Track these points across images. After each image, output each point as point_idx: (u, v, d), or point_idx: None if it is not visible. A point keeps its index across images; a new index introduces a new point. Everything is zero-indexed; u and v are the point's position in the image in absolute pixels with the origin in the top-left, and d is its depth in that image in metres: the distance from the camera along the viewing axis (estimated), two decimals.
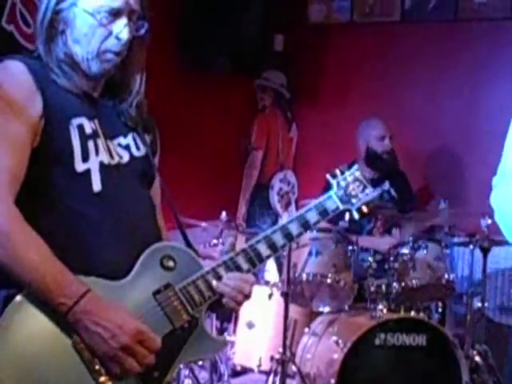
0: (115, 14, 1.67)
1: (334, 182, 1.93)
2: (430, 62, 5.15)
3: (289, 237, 1.83)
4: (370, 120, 4.55)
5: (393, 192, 3.92)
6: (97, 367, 1.57)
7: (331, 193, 1.91)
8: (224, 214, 3.89)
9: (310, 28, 5.64)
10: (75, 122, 1.65)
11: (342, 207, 1.90)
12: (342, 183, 1.92)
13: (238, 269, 1.77)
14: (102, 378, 1.58)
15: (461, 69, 5.02)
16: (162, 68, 4.74)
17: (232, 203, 4.93)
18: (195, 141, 5.08)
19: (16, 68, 1.63)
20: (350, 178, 1.93)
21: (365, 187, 1.94)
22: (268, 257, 1.80)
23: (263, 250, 1.80)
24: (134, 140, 1.79)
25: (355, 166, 1.99)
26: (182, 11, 5.01)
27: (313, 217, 1.86)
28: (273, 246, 1.81)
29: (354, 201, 1.92)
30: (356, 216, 1.94)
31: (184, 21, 5.02)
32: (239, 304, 1.78)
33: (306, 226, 1.85)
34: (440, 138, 5.10)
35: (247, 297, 1.78)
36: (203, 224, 3.97)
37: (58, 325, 1.56)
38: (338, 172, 1.95)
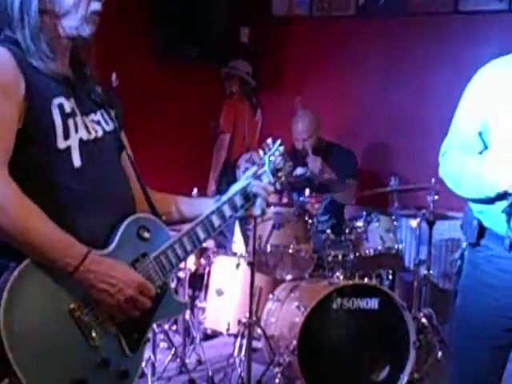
0: None
1: (266, 158, 1.98)
2: (382, 52, 5.19)
3: (235, 208, 1.89)
4: (296, 114, 4.63)
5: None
6: (93, 334, 1.59)
7: (265, 168, 1.97)
8: (195, 190, 3.87)
9: (273, 21, 5.65)
10: (56, 101, 1.62)
11: (272, 180, 1.97)
12: (272, 158, 1.98)
13: (197, 238, 1.81)
14: (94, 341, 1.59)
15: (410, 59, 5.07)
16: (138, 55, 4.73)
17: (202, 181, 4.93)
18: (168, 124, 5.09)
19: (0, 53, 1.59)
20: (277, 153, 1.99)
21: (286, 161, 2.00)
22: (219, 226, 1.86)
23: (215, 220, 1.84)
24: (103, 116, 1.78)
25: (278, 141, 2.02)
26: (157, 3, 4.99)
27: (251, 190, 1.93)
28: (223, 217, 1.87)
29: (280, 174, 1.99)
30: (278, 187, 2.02)
31: (159, 12, 5.02)
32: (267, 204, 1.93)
33: (247, 197, 1.92)
34: (392, 122, 5.13)
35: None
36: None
37: (56, 294, 1.55)
38: (266, 147, 2.00)
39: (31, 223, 1.51)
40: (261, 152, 2.00)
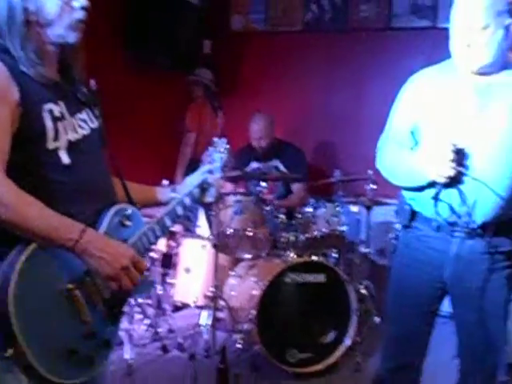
0: None
1: (216, 155, 2.02)
2: (326, 62, 5.21)
3: (194, 199, 1.93)
4: (253, 117, 4.60)
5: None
6: (85, 310, 1.56)
7: (217, 164, 2.00)
8: (165, 181, 3.84)
9: (232, 35, 5.62)
10: (46, 107, 1.57)
11: (222, 175, 2.01)
12: (223, 156, 2.01)
13: (165, 225, 1.82)
14: (86, 317, 1.57)
15: (350, 68, 5.10)
16: (112, 65, 4.67)
17: (171, 173, 4.90)
18: (142, 124, 5.04)
19: None
20: (225, 151, 2.02)
21: (230, 157, 2.04)
22: (182, 214, 1.88)
23: (179, 210, 1.87)
24: (88, 114, 1.73)
25: (224, 139, 2.05)
26: (127, 18, 4.95)
27: (207, 183, 1.97)
28: (185, 207, 1.89)
29: (225, 169, 2.02)
30: (223, 179, 2.06)
31: (129, 26, 4.96)
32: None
33: (203, 189, 1.96)
34: (335, 123, 5.17)
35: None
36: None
37: (56, 276, 1.53)
38: (215, 146, 2.03)
39: (30, 212, 1.48)
40: (211, 149, 2.03)
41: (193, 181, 1.97)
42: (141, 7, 4.92)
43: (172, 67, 5.10)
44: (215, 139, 2.04)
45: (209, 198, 1.97)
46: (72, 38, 1.62)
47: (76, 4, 1.61)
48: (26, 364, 1.46)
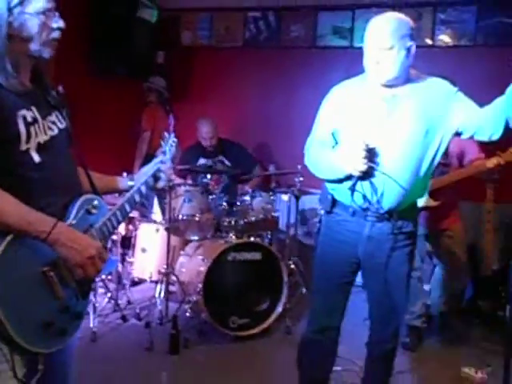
0: (49, 10, 1.56)
1: (167, 149, 2.00)
2: (262, 74, 5.24)
3: (149, 187, 1.90)
4: (201, 121, 4.56)
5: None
6: (59, 289, 1.52)
7: (167, 157, 1.99)
8: (125, 173, 3.78)
9: (182, 48, 5.57)
10: (20, 113, 1.52)
11: (171, 165, 1.99)
12: (172, 149, 2.00)
13: (126, 211, 1.79)
14: (60, 294, 1.54)
15: (282, 80, 5.14)
16: (78, 73, 4.57)
17: (129, 167, 4.82)
18: (103, 124, 4.95)
19: None
20: (174, 144, 2.00)
21: (178, 150, 2.03)
22: (139, 201, 1.85)
23: (137, 197, 1.84)
24: (57, 116, 1.68)
25: (172, 135, 2.03)
26: (91, 33, 4.84)
27: (159, 171, 1.96)
28: (141, 194, 1.87)
29: (175, 160, 2.02)
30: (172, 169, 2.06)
31: (95, 39, 4.86)
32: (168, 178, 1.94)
33: (156, 178, 1.93)
34: (269, 126, 5.21)
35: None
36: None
37: (33, 260, 1.49)
38: (165, 140, 2.01)
39: (5, 207, 1.44)
40: (162, 143, 2.01)
41: (147, 171, 1.94)
42: (104, 23, 4.83)
43: (129, 75, 5.03)
44: (165, 134, 2.03)
45: (161, 184, 1.95)
46: (47, 53, 1.58)
47: (54, 25, 1.57)
48: (8, 338, 1.42)
